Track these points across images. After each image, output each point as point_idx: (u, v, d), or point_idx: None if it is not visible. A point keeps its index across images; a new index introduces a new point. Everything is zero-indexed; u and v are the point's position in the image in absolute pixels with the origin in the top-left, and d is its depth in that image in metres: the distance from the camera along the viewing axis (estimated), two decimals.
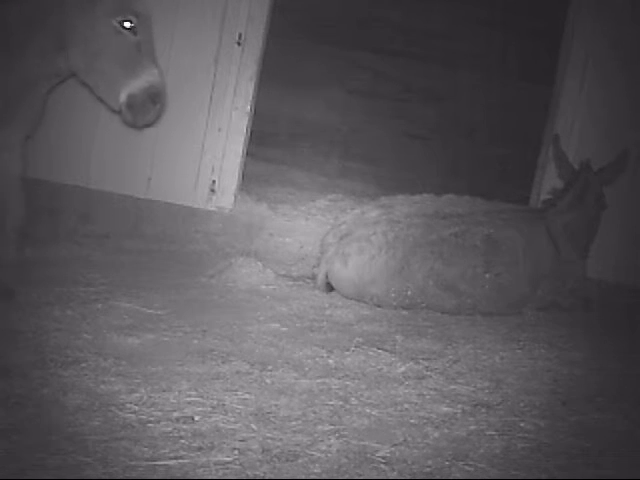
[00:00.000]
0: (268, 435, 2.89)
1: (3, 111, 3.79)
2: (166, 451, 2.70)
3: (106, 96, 3.80)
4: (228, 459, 2.69)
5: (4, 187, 3.98)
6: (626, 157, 5.15)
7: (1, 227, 4.02)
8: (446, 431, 3.08)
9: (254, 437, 2.86)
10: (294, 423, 3.01)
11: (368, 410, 3.20)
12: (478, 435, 3.07)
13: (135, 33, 3.69)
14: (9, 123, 3.84)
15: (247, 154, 5.85)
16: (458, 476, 2.76)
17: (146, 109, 3.74)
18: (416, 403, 3.31)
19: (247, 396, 3.19)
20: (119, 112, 3.77)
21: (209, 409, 3.04)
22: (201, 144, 5.56)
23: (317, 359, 3.68)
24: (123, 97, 3.69)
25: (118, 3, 3.68)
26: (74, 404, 2.96)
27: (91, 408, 2.94)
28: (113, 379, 3.20)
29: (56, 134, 5.21)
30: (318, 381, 3.42)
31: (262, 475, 2.62)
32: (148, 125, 3.96)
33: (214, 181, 5.60)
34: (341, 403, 3.23)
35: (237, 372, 3.42)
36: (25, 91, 3.83)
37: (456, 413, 3.25)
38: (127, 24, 3.67)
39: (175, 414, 2.96)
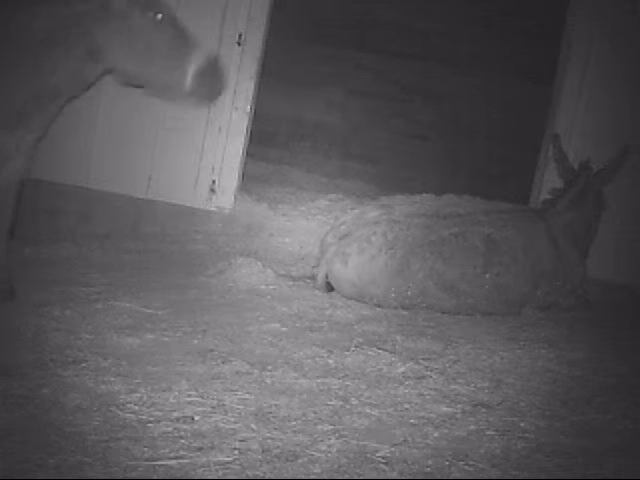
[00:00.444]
0: (268, 435, 2.89)
1: (22, 114, 3.81)
2: (166, 451, 2.70)
3: (172, 84, 3.83)
4: (228, 459, 2.69)
5: (5, 189, 3.99)
6: (626, 154, 5.14)
7: None
8: (446, 431, 3.07)
9: (254, 437, 2.86)
10: (294, 423, 3.01)
11: (368, 410, 3.20)
12: (478, 435, 3.07)
13: (168, 25, 3.76)
14: (25, 126, 3.85)
15: (247, 154, 5.85)
16: (458, 476, 2.76)
17: (216, 80, 3.83)
18: (416, 403, 3.31)
19: (247, 396, 3.19)
20: (187, 93, 3.82)
21: (209, 409, 3.04)
22: (201, 144, 5.56)
23: (317, 359, 3.68)
24: (190, 74, 3.74)
25: (146, 1, 3.75)
26: (74, 404, 2.96)
27: (91, 408, 2.95)
28: (113, 379, 3.20)
29: (56, 134, 5.21)
30: (318, 381, 3.42)
31: (262, 475, 2.62)
32: (218, 96, 4.03)
33: (214, 181, 5.60)
34: (341, 403, 3.23)
35: (237, 372, 3.42)
36: (47, 99, 3.85)
37: (456, 413, 3.25)
38: (159, 16, 3.74)
39: (175, 414, 2.96)
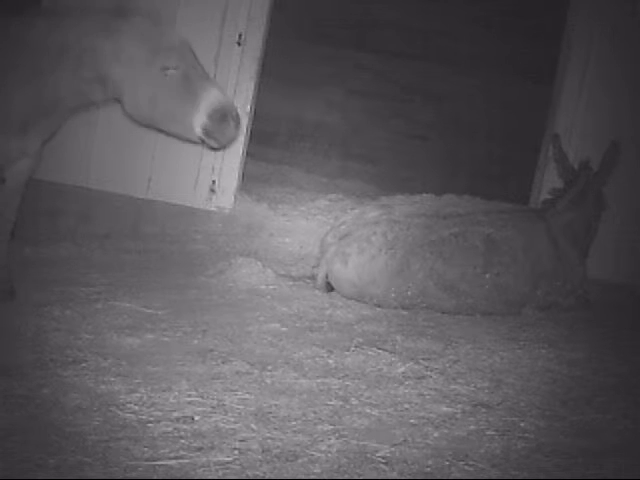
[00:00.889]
0: (268, 435, 2.89)
1: (28, 121, 3.82)
2: (166, 451, 2.70)
3: (181, 133, 3.79)
4: (228, 459, 2.69)
5: (12, 190, 4.00)
6: (616, 150, 5.13)
7: None
8: (446, 431, 3.07)
9: (254, 437, 2.86)
10: (294, 423, 3.01)
11: (368, 410, 3.20)
12: (478, 435, 3.07)
13: (177, 68, 3.65)
14: (32, 132, 3.86)
15: (247, 154, 5.85)
16: (458, 476, 2.76)
17: (223, 130, 3.69)
18: (416, 403, 3.31)
19: (247, 396, 3.19)
20: (202, 143, 3.76)
21: (209, 409, 3.04)
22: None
23: (317, 359, 3.68)
24: (198, 131, 3.67)
25: (154, 48, 3.65)
26: (74, 404, 2.96)
27: (91, 408, 2.95)
28: (113, 379, 3.20)
29: (56, 134, 5.22)
30: (318, 381, 3.42)
31: (262, 475, 2.63)
32: (232, 143, 3.89)
33: (214, 181, 5.60)
34: (341, 403, 3.23)
35: (237, 372, 3.42)
36: (53, 108, 3.85)
37: (456, 413, 3.25)
38: (167, 72, 3.64)
39: (175, 414, 2.96)
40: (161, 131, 3.92)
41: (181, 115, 3.68)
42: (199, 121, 3.65)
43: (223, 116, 3.67)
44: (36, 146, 3.95)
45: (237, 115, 3.73)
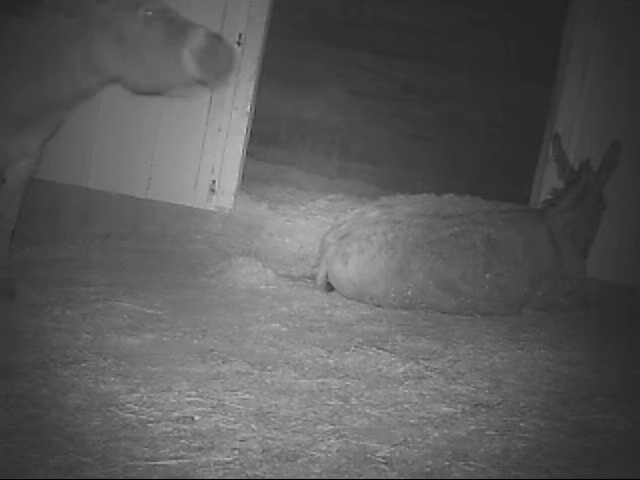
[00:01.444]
0: (268, 435, 2.88)
1: (26, 120, 3.81)
2: (166, 451, 2.70)
3: (176, 77, 3.73)
4: (228, 459, 2.69)
5: (13, 190, 4.00)
6: (617, 150, 5.13)
7: None
8: (446, 431, 3.07)
9: (254, 437, 2.86)
10: (294, 423, 3.01)
11: (368, 410, 3.19)
12: (478, 435, 3.07)
13: (161, 12, 3.67)
14: (30, 131, 3.86)
15: (247, 154, 5.85)
16: (458, 476, 2.76)
17: (216, 52, 3.63)
18: (416, 403, 3.31)
19: (247, 396, 3.19)
20: (194, 78, 3.67)
21: (209, 409, 3.03)
22: (201, 144, 5.56)
23: (317, 359, 3.67)
24: (187, 56, 3.59)
25: (135, 2, 3.66)
26: (74, 404, 2.96)
27: (91, 408, 2.94)
28: (113, 379, 3.20)
29: (56, 134, 5.22)
30: (318, 381, 3.42)
31: (262, 475, 2.62)
32: (229, 73, 3.79)
33: (214, 181, 5.60)
34: (341, 403, 3.23)
35: (237, 372, 3.42)
36: (49, 106, 3.84)
37: (456, 413, 3.25)
38: (149, 13, 3.64)
39: (175, 414, 2.96)
40: (159, 88, 3.86)
41: (173, 53, 3.62)
42: (189, 53, 3.59)
43: (214, 41, 3.62)
44: (36, 146, 3.94)
45: (229, 46, 3.69)
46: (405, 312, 4.55)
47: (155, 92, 3.96)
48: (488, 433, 3.08)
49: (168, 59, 3.67)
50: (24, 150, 3.89)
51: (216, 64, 3.67)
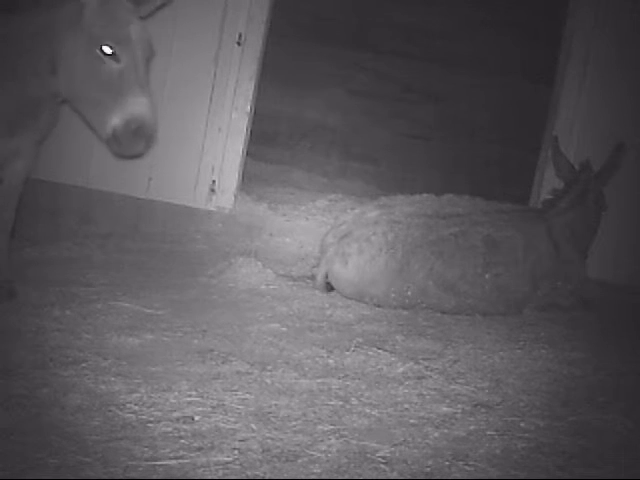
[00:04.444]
0: (268, 435, 2.89)
1: (14, 121, 3.81)
2: (166, 451, 2.70)
3: (95, 126, 3.66)
4: (228, 459, 2.69)
5: (9, 190, 4.01)
6: (621, 151, 5.13)
7: None
8: (446, 431, 3.07)
9: (254, 437, 2.86)
10: (294, 423, 3.01)
11: (368, 410, 3.20)
12: (478, 435, 3.07)
13: (118, 60, 3.53)
14: (21, 132, 3.86)
15: (247, 154, 5.85)
16: (458, 476, 2.76)
17: (130, 142, 3.54)
18: (416, 403, 3.31)
19: (247, 396, 3.19)
20: (107, 142, 3.60)
21: (209, 409, 3.04)
22: (201, 144, 5.56)
23: (317, 359, 3.68)
24: (109, 130, 3.52)
25: (102, 28, 3.54)
26: (74, 404, 2.96)
27: (91, 408, 2.95)
28: (113, 379, 3.20)
29: (56, 134, 5.22)
30: (318, 381, 3.42)
31: (262, 475, 2.62)
32: (139, 156, 3.77)
33: (214, 181, 5.60)
34: (341, 403, 3.23)
35: (237, 372, 3.42)
36: (30, 107, 3.83)
37: (456, 413, 3.25)
38: (108, 50, 3.52)
39: (175, 414, 2.96)
40: (80, 114, 3.79)
41: (101, 106, 3.54)
42: (113, 123, 3.50)
43: (138, 129, 3.52)
44: (28, 146, 3.93)
45: (151, 136, 3.58)
46: (405, 312, 4.55)
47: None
48: (488, 433, 3.09)
49: (98, 107, 3.58)
50: (17, 151, 3.89)
51: (128, 145, 3.57)
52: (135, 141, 3.56)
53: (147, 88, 3.60)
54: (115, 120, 3.50)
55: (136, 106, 3.52)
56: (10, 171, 3.97)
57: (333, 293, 4.72)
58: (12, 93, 3.74)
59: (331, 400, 3.25)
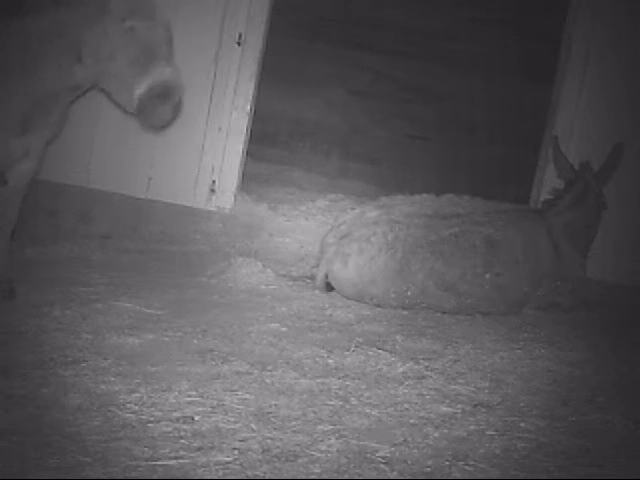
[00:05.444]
0: (268, 435, 2.89)
1: (26, 119, 3.82)
2: (166, 451, 2.70)
3: (122, 99, 3.77)
4: (228, 459, 2.69)
5: (14, 191, 4.01)
6: (620, 151, 5.13)
7: None
8: (446, 431, 3.07)
9: (254, 437, 2.86)
10: (294, 423, 3.01)
11: (368, 410, 3.19)
12: (478, 435, 3.07)
13: (143, 34, 3.66)
14: (31, 131, 3.87)
15: (247, 154, 5.85)
16: (458, 476, 2.76)
17: (155, 108, 3.66)
18: (416, 403, 3.31)
19: (247, 396, 3.19)
20: (137, 115, 3.71)
21: (209, 409, 3.04)
22: (201, 144, 5.56)
23: (317, 359, 3.68)
24: (135, 99, 3.64)
25: (128, 8, 3.66)
26: (74, 404, 2.96)
27: (91, 408, 2.95)
28: (113, 379, 3.20)
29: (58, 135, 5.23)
30: (318, 381, 3.42)
31: (262, 475, 2.62)
32: (165, 125, 3.88)
33: (214, 181, 5.60)
34: (341, 403, 3.23)
35: (237, 372, 3.42)
36: (47, 102, 3.85)
37: (456, 413, 3.25)
38: (135, 25, 3.64)
39: (175, 414, 2.96)
40: (106, 92, 3.87)
41: (127, 78, 3.65)
42: (139, 91, 3.62)
43: (163, 95, 3.63)
44: (38, 146, 3.96)
45: (178, 102, 3.69)
46: (405, 312, 4.55)
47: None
48: (488, 433, 3.09)
49: (125, 79, 3.68)
50: (27, 150, 3.90)
51: (154, 113, 3.68)
52: (160, 107, 3.65)
53: (172, 59, 3.73)
54: (139, 89, 3.61)
55: (159, 75, 3.63)
56: (17, 172, 3.98)
57: (333, 293, 4.72)
58: (28, 88, 3.77)
59: (331, 400, 3.25)
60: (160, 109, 3.66)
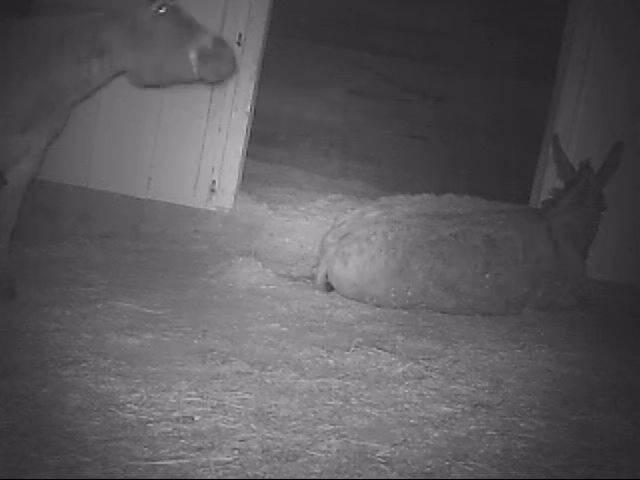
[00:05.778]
0: (268, 435, 2.89)
1: (31, 118, 3.84)
2: (166, 451, 2.70)
3: (174, 73, 3.90)
4: (228, 459, 2.69)
5: (14, 191, 4.01)
6: (620, 151, 5.13)
7: None
8: (446, 431, 3.07)
9: (254, 437, 2.86)
10: (294, 423, 3.01)
11: (368, 410, 3.20)
12: (478, 435, 3.07)
13: (176, 14, 3.83)
14: (35, 129, 3.88)
15: (247, 154, 5.85)
16: (458, 476, 2.76)
17: (220, 55, 3.84)
18: (416, 403, 3.31)
19: (247, 396, 3.19)
20: (197, 77, 3.87)
21: (209, 409, 3.04)
22: (201, 144, 5.56)
23: (317, 359, 3.68)
24: (193, 56, 3.79)
25: None
26: (74, 404, 2.96)
27: (91, 408, 2.94)
28: (113, 379, 3.20)
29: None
30: (318, 381, 3.42)
31: (262, 475, 2.62)
32: (230, 76, 4.02)
33: (214, 181, 5.60)
34: (341, 403, 3.23)
35: (237, 372, 3.42)
36: (54, 99, 3.87)
37: (456, 413, 3.25)
38: (162, 10, 3.79)
39: (175, 414, 2.96)
40: (161, 83, 4.02)
41: (180, 52, 3.80)
42: (197, 46, 3.79)
43: (219, 45, 3.83)
44: (40, 146, 3.96)
45: (232, 51, 3.92)
46: (405, 312, 4.55)
47: (157, 85, 4.08)
48: (488, 433, 3.09)
49: (175, 57, 3.83)
50: (29, 149, 3.91)
51: (219, 67, 3.87)
52: (223, 54, 3.86)
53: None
54: (198, 44, 3.80)
55: (208, 34, 3.86)
56: (17, 172, 3.98)
57: (333, 293, 4.72)
58: (33, 85, 3.78)
59: (331, 400, 3.25)
60: (222, 56, 3.85)
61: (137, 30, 3.80)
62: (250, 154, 6.07)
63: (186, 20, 3.86)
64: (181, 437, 2.80)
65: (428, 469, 2.77)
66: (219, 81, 4.03)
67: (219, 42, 3.86)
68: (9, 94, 3.76)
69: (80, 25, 3.81)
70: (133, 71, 3.90)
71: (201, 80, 3.93)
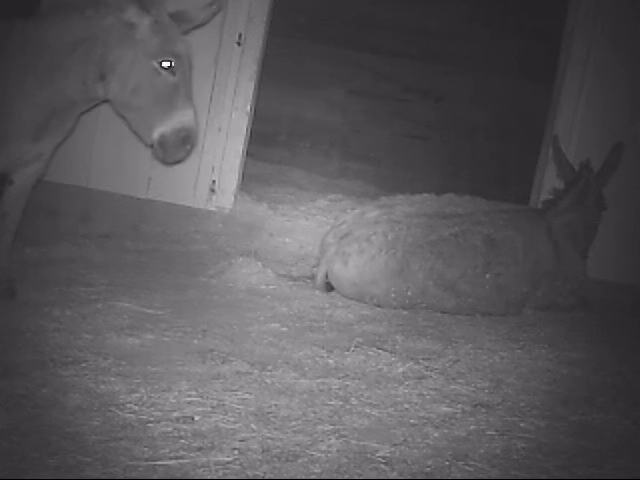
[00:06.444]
0: (268, 435, 2.89)
1: (44, 126, 3.84)
2: (166, 451, 2.70)
3: (140, 131, 3.82)
4: (228, 459, 2.69)
5: (19, 192, 4.01)
6: (619, 151, 5.13)
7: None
8: (446, 431, 3.07)
9: (254, 437, 2.86)
10: (294, 423, 3.01)
11: (368, 410, 3.20)
12: (478, 435, 3.07)
13: (173, 73, 3.71)
14: (47, 136, 3.89)
15: (247, 154, 5.85)
16: (458, 476, 2.76)
17: (176, 149, 3.75)
18: (416, 403, 3.31)
19: (247, 396, 3.19)
20: (151, 147, 3.79)
21: (209, 409, 3.04)
22: (201, 144, 5.55)
23: (317, 359, 3.68)
24: (156, 135, 3.70)
25: (159, 44, 3.70)
26: (74, 404, 2.96)
27: (91, 408, 2.95)
28: (113, 379, 3.20)
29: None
30: (318, 381, 3.42)
31: (262, 475, 2.62)
32: (178, 162, 4.00)
33: (214, 181, 5.60)
34: (341, 403, 3.23)
35: (237, 372, 3.42)
36: (65, 110, 3.88)
37: (456, 413, 3.25)
38: (166, 64, 3.69)
39: (175, 414, 2.96)
40: (124, 119, 3.91)
41: (150, 115, 3.71)
42: (162, 130, 3.69)
43: (185, 138, 3.73)
44: (50, 150, 3.99)
45: (193, 145, 3.80)
46: (405, 312, 4.55)
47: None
48: (488, 433, 3.09)
49: (147, 115, 3.73)
50: (39, 155, 3.93)
51: (174, 153, 3.77)
52: (181, 149, 3.76)
53: (191, 100, 3.81)
54: (164, 128, 3.69)
55: (185, 117, 3.73)
56: (24, 174, 3.99)
57: (333, 293, 4.72)
58: (46, 97, 3.78)
59: (331, 400, 3.25)
60: (177, 150, 3.75)
61: (130, 76, 3.69)
62: (250, 154, 6.07)
63: (176, 89, 3.70)
64: (181, 437, 2.80)
65: (428, 469, 2.77)
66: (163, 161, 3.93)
67: (186, 138, 3.72)
68: (23, 103, 3.76)
69: (91, 47, 3.73)
70: (112, 96, 3.81)
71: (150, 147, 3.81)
